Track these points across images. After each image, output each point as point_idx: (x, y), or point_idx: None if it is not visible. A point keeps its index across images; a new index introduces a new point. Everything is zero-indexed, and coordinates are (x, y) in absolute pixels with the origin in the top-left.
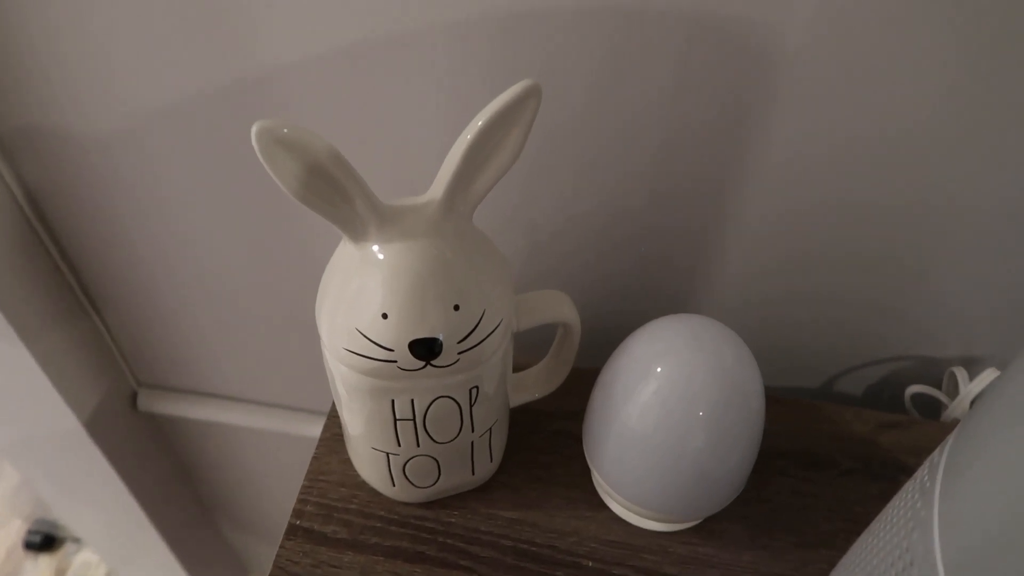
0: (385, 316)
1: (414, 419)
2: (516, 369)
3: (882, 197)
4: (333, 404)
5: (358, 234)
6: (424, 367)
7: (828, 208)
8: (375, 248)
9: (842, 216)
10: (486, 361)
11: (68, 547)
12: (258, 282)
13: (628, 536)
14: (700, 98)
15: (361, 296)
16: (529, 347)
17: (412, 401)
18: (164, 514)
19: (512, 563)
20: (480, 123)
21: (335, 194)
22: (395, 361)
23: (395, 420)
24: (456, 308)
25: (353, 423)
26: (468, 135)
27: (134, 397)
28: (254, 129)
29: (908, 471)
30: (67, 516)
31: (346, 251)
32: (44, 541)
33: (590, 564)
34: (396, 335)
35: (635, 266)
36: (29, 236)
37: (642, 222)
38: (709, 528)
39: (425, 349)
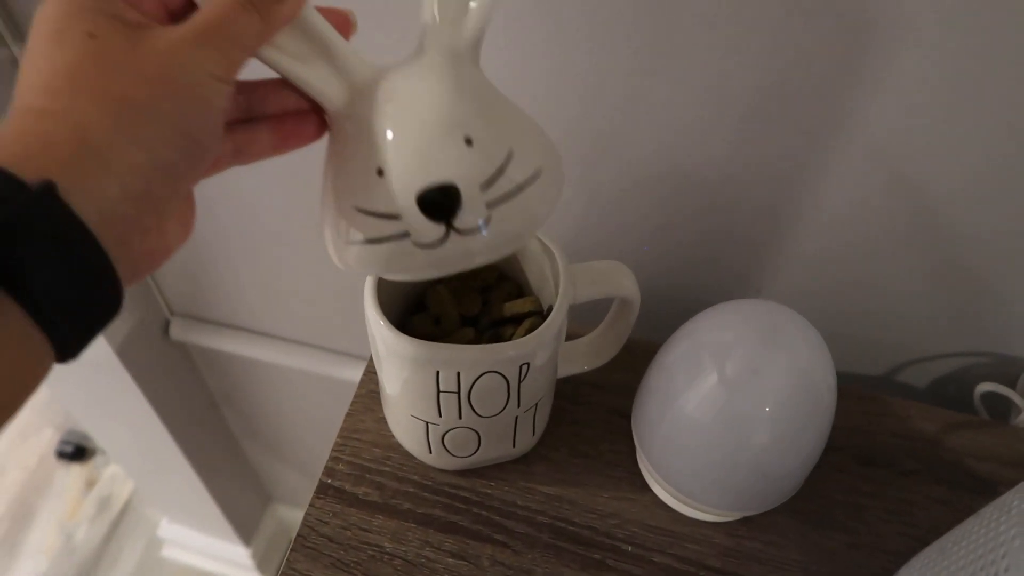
0: (380, 172)
1: (459, 392)
2: (566, 338)
3: (971, 183)
4: (371, 359)
5: (335, 94)
6: (446, 236)
7: (912, 192)
8: (356, 102)
9: (924, 203)
10: (535, 220)
11: (98, 459)
12: (294, 216)
13: (671, 523)
14: (800, 58)
15: (350, 164)
16: (579, 315)
17: (458, 374)
18: (191, 437)
19: (548, 541)
20: None
21: (307, 47)
22: (407, 234)
23: (438, 392)
24: (468, 142)
25: (392, 386)
26: None
27: (167, 326)
28: None
29: (976, 477)
30: (96, 432)
31: (329, 135)
32: (76, 451)
33: (630, 549)
34: (398, 190)
35: (702, 239)
36: None
37: (715, 194)
38: (757, 521)
39: (439, 199)
